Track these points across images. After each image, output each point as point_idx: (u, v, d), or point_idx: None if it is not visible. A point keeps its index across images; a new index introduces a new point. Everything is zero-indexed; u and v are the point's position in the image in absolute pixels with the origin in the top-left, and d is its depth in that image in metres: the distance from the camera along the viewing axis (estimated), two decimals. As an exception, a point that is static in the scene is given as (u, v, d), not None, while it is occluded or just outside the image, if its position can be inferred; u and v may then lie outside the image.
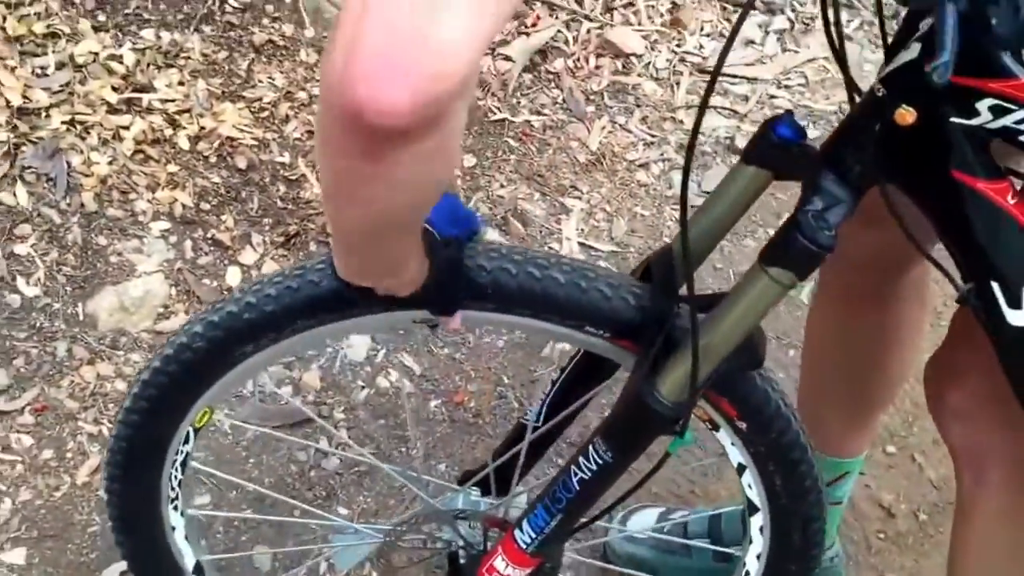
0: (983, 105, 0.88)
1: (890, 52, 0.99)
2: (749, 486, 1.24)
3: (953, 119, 0.91)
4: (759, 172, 1.06)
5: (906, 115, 0.91)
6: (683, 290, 1.04)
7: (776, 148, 1.03)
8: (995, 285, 0.99)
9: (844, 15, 3.33)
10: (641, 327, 1.09)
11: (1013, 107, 0.87)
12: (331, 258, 0.99)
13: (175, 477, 1.28)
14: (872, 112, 0.95)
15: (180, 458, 1.27)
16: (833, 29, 0.98)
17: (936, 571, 1.93)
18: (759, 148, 1.05)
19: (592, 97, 2.70)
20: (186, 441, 1.25)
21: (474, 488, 1.33)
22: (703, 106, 0.95)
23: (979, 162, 0.95)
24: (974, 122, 0.90)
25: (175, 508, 1.33)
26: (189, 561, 1.40)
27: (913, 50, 0.89)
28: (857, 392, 1.62)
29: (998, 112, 0.88)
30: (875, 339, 1.54)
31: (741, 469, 1.23)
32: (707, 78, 2.86)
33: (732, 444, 1.20)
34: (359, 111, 0.62)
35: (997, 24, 0.78)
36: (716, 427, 1.20)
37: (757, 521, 1.27)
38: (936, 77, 0.68)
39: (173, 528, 1.35)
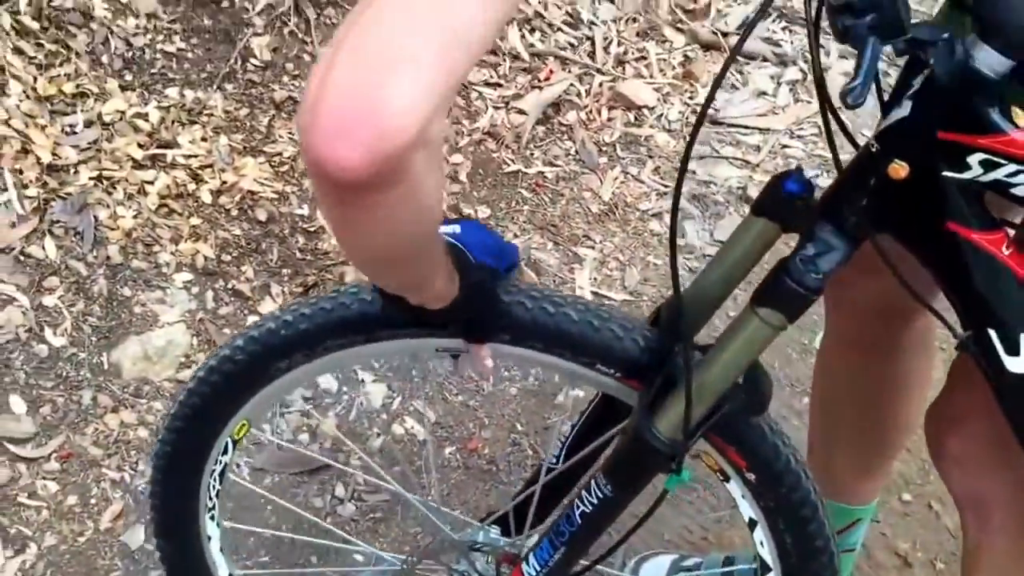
0: (974, 160, 0.90)
1: (886, 108, 1.02)
2: (761, 543, 1.24)
3: (946, 173, 0.93)
4: (768, 224, 1.09)
5: (899, 169, 0.93)
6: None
7: (784, 202, 1.06)
8: (993, 333, 1.00)
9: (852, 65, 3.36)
10: (648, 368, 1.11)
11: (1003, 161, 0.89)
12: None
13: (213, 487, 1.33)
14: (867, 166, 0.98)
15: (219, 468, 1.31)
16: (816, 67, 1.00)
17: (953, 618, 1.92)
18: (768, 201, 1.08)
19: (605, 148, 2.74)
20: (225, 451, 1.30)
21: (493, 526, 1.35)
22: (692, 138, 1.00)
23: (973, 213, 0.97)
24: (966, 176, 0.92)
25: (212, 518, 1.37)
26: (223, 574, 1.43)
27: (905, 107, 0.92)
28: (867, 439, 1.62)
29: (989, 166, 0.90)
30: (882, 387, 1.54)
31: (752, 524, 1.23)
32: (719, 129, 2.90)
33: (743, 497, 1.21)
34: (322, 166, 0.67)
35: (936, 64, 0.80)
36: (727, 478, 1.21)
37: None
38: (850, 100, 0.71)
39: (209, 538, 1.39)
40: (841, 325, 1.53)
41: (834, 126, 1.02)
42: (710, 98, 1.01)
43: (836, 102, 0.98)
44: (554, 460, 1.31)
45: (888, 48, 0.81)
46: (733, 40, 3.07)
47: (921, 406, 1.61)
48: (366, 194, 0.69)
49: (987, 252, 0.97)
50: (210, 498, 1.34)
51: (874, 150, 0.96)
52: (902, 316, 1.46)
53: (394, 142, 0.65)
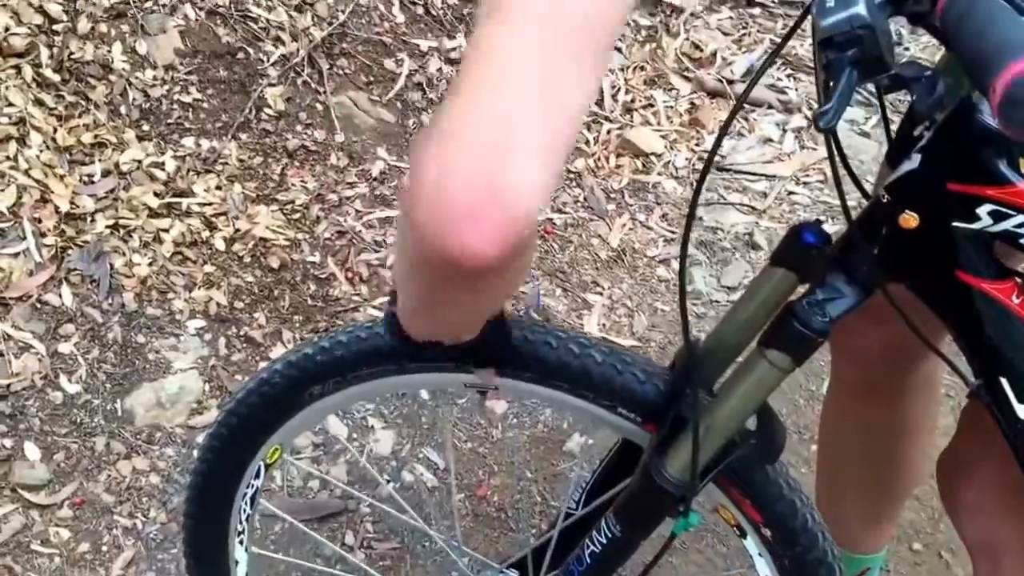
0: (983, 210, 0.91)
1: (894, 161, 1.03)
2: None
3: (955, 223, 0.94)
4: (786, 274, 1.09)
5: (910, 220, 0.94)
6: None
7: (801, 252, 1.06)
8: (1005, 381, 1.00)
9: (862, 112, 3.39)
10: (664, 411, 1.11)
11: (1012, 212, 0.90)
12: (388, 316, 1.02)
13: (244, 510, 1.33)
14: (878, 216, 0.98)
15: (250, 492, 1.32)
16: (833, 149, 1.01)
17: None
18: (786, 251, 1.08)
19: (613, 195, 2.75)
20: (257, 475, 1.31)
21: (511, 569, 1.34)
22: (699, 185, 0.99)
23: (983, 263, 0.97)
24: (975, 226, 0.93)
25: (241, 543, 1.37)
26: None
27: (914, 160, 0.93)
28: (874, 486, 1.61)
29: (998, 217, 0.91)
30: (888, 433, 1.54)
31: None
32: (725, 176, 2.92)
33: (759, 555, 1.19)
34: (448, 254, 0.67)
35: (917, 102, 0.81)
36: (744, 534, 1.20)
37: None
38: (821, 123, 0.72)
39: (237, 562, 1.39)
40: (845, 371, 1.52)
41: (842, 171, 1.02)
42: (716, 145, 1.02)
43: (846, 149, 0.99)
44: (573, 506, 1.31)
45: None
46: (738, 88, 3.10)
47: (928, 451, 1.60)
48: (487, 276, 0.69)
49: (998, 301, 0.97)
50: (240, 522, 1.35)
51: (885, 201, 0.96)
52: (906, 361, 1.45)
53: (521, 224, 0.66)
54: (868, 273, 1.00)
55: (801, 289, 1.07)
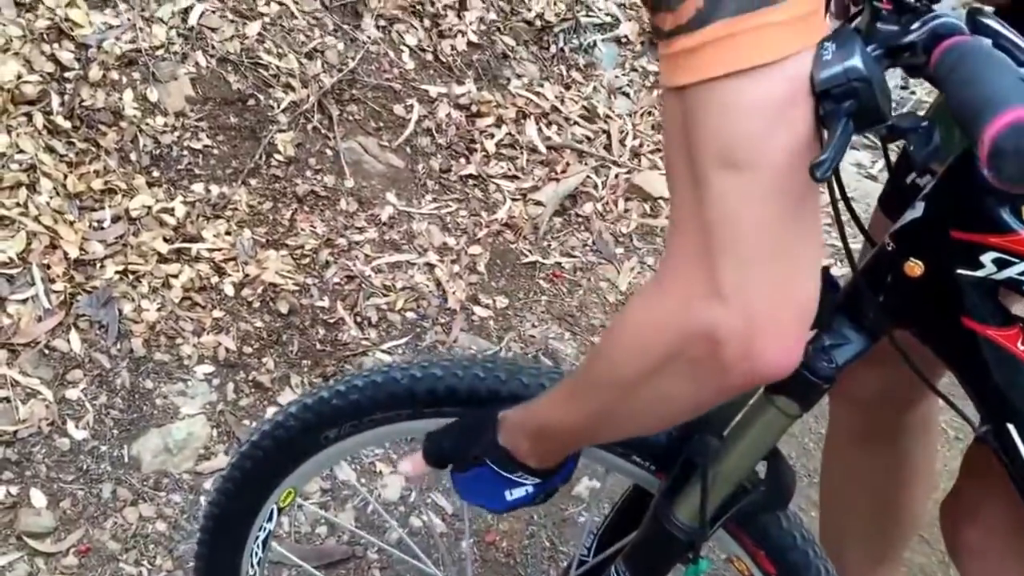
0: (987, 258, 0.90)
1: (885, 205, 1.02)
2: None
3: (960, 271, 0.93)
4: None
5: (914, 267, 0.93)
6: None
7: None
8: (1011, 427, 0.98)
9: (868, 156, 3.39)
10: (674, 457, 1.10)
11: (1015, 260, 0.89)
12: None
13: (255, 554, 1.32)
14: (883, 264, 0.97)
15: (262, 535, 1.31)
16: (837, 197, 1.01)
17: None
18: None
19: (621, 239, 2.75)
20: (269, 519, 1.30)
21: None
22: None
23: (988, 310, 0.96)
24: (980, 274, 0.91)
25: None
26: None
27: (918, 208, 0.92)
28: (876, 528, 1.59)
29: (1002, 264, 0.89)
30: (887, 476, 1.53)
31: None
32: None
33: None
34: (760, 373, 0.76)
35: (914, 151, 0.80)
36: None
37: None
38: (817, 174, 0.72)
39: None
40: (843, 416, 1.52)
41: (845, 216, 1.02)
42: None
43: (850, 193, 0.98)
44: (585, 552, 1.29)
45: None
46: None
47: (927, 492, 1.60)
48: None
49: (1004, 348, 0.96)
50: (252, 566, 1.34)
51: (890, 248, 0.95)
52: (903, 403, 1.45)
53: (807, 329, 0.78)
54: (875, 320, 0.99)
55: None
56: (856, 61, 0.72)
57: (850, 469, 1.56)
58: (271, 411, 2.13)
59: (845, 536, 1.60)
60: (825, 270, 1.06)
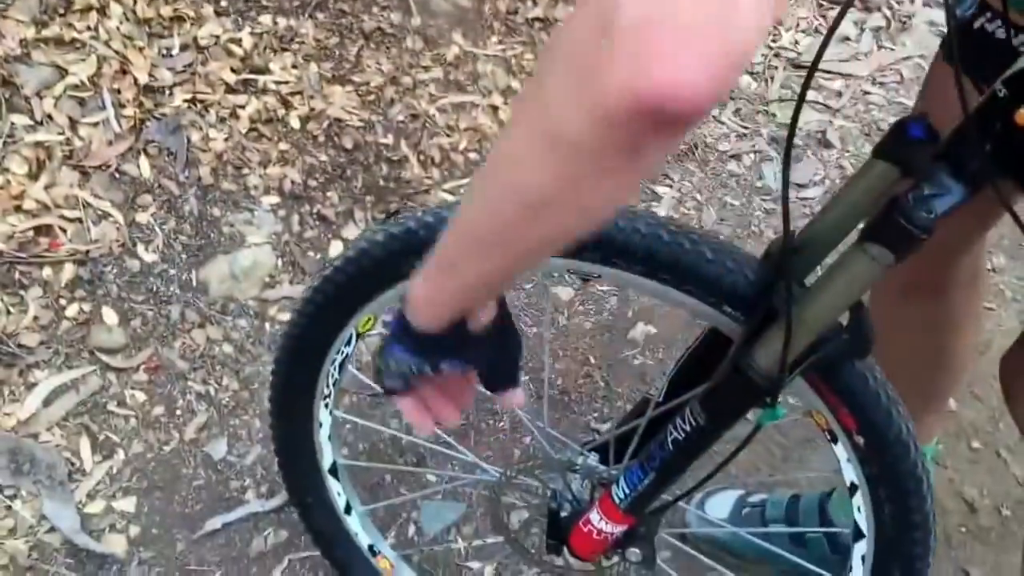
0: None
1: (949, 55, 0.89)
2: (858, 509, 1.14)
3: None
4: (889, 168, 0.97)
5: None
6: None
7: (906, 146, 0.94)
8: None
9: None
10: (753, 302, 1.02)
11: None
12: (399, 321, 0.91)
13: (332, 375, 1.29)
14: (992, 111, 0.87)
15: (340, 358, 1.27)
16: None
17: (1018, 568, 1.80)
18: (890, 144, 0.97)
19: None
20: (348, 343, 1.26)
21: (594, 453, 1.27)
22: (800, 103, 0.88)
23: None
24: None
25: (326, 406, 1.33)
26: (327, 460, 1.40)
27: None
28: (920, 380, 1.52)
29: None
30: (933, 327, 1.46)
31: (853, 489, 1.13)
32: (801, 73, 2.72)
33: (848, 460, 1.11)
34: (657, 92, 0.52)
35: None
36: (835, 439, 1.11)
37: (860, 549, 1.16)
38: (958, 10, 0.60)
39: (320, 424, 1.35)
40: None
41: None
42: (821, 51, 0.88)
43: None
44: (658, 394, 1.22)
45: None
46: (820, -18, 2.88)
47: (972, 343, 1.52)
48: (679, 129, 0.55)
49: None
50: (327, 386, 1.31)
51: (1001, 95, 0.85)
52: (951, 254, 1.37)
53: (739, 62, 0.53)
54: (978, 170, 0.88)
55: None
56: None
57: (898, 320, 1.47)
58: (335, 244, 2.06)
59: (894, 384, 1.53)
60: (922, 117, 0.94)
